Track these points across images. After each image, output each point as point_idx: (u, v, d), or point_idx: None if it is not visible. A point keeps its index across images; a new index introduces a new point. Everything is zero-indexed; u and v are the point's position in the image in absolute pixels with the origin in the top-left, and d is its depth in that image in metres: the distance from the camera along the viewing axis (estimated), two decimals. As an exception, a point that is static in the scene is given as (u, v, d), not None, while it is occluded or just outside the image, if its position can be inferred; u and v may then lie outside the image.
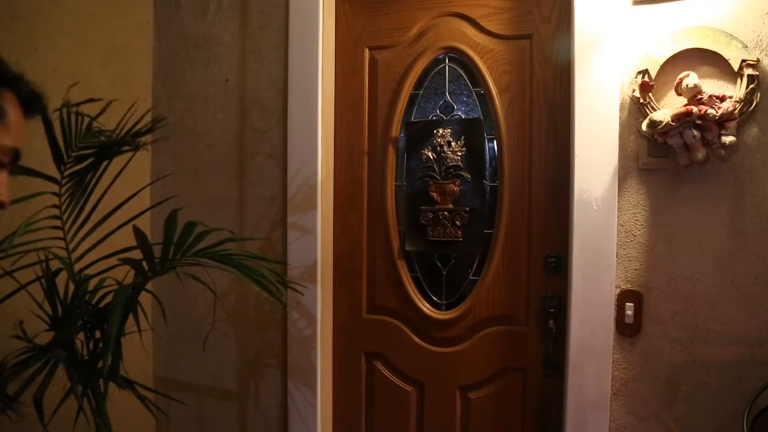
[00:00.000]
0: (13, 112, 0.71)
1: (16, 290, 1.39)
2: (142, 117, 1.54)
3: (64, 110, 1.37)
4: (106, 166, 1.48)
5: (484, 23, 1.79)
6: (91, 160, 1.45)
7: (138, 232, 1.40)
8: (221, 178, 1.99)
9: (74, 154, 1.42)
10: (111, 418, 1.45)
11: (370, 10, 1.91)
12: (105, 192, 1.51)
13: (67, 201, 1.48)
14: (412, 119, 1.90)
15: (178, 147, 2.04)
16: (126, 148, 1.47)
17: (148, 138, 1.53)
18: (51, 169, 1.42)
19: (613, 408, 1.60)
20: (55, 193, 1.45)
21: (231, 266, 1.46)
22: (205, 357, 1.99)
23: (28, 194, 1.41)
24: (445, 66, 1.87)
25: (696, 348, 1.53)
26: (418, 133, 1.89)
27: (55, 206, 1.46)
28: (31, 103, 0.76)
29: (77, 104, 1.34)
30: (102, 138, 1.41)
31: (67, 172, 1.45)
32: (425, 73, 1.88)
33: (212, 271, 1.55)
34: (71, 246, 1.48)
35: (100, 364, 1.42)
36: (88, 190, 1.48)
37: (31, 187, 1.42)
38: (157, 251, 1.42)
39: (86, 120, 1.42)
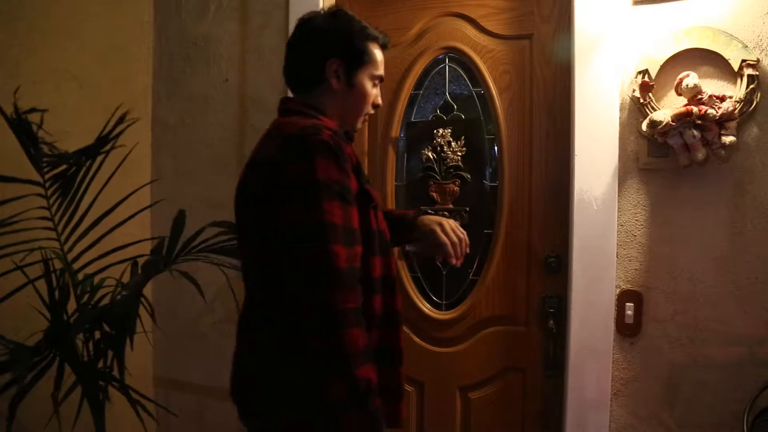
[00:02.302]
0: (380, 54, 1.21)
1: (23, 285, 1.39)
2: (116, 123, 1.51)
3: (22, 116, 1.33)
4: (90, 170, 1.47)
5: (484, 23, 1.79)
6: (64, 167, 1.43)
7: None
8: (221, 178, 1.98)
9: (45, 159, 1.41)
10: (112, 417, 1.45)
11: (370, 10, 1.91)
12: (99, 193, 1.51)
13: (58, 202, 1.47)
14: (412, 119, 1.90)
15: (178, 147, 2.04)
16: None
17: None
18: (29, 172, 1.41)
19: (613, 408, 1.60)
20: (41, 195, 1.44)
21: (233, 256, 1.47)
22: (206, 357, 1.99)
23: (8, 198, 1.40)
24: (445, 66, 1.87)
25: (696, 348, 1.53)
26: (418, 133, 1.89)
27: (43, 207, 1.45)
28: (386, 45, 1.23)
29: (24, 113, 1.32)
30: (44, 148, 1.38)
31: (48, 175, 1.44)
32: (425, 73, 1.88)
33: (213, 270, 1.55)
34: (66, 247, 1.48)
35: (100, 365, 1.43)
36: (81, 191, 1.48)
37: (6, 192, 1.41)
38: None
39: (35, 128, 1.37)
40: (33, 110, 1.31)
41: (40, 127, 1.35)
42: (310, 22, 1.17)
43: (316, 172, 0.95)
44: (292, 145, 0.99)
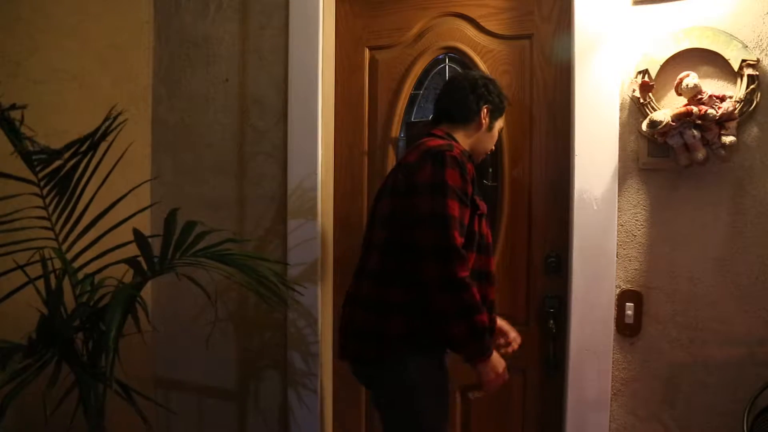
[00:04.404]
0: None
1: (23, 285, 1.38)
2: (105, 120, 1.48)
3: (4, 113, 1.31)
4: (88, 169, 1.46)
5: (484, 23, 1.79)
6: (58, 163, 1.42)
7: (137, 234, 1.39)
8: (221, 178, 1.99)
9: (35, 157, 1.39)
10: (112, 416, 1.45)
11: (370, 10, 1.91)
12: (96, 192, 1.50)
13: (55, 201, 1.46)
14: (413, 119, 1.90)
15: (178, 147, 2.04)
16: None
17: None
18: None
19: (613, 408, 1.60)
20: (37, 195, 1.44)
21: (232, 266, 1.46)
22: (206, 357, 1.99)
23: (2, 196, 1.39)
24: (445, 66, 1.87)
25: (696, 348, 1.53)
26: (419, 133, 1.88)
27: (39, 207, 1.45)
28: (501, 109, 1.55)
29: (5, 110, 1.30)
30: (27, 144, 1.36)
31: (42, 173, 1.42)
32: (425, 73, 1.88)
33: (212, 270, 1.55)
34: (65, 246, 1.47)
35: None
36: (79, 189, 1.47)
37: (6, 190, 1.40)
38: (155, 249, 1.42)
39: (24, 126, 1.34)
40: (13, 107, 1.30)
41: (22, 123, 1.33)
42: (470, 74, 1.54)
43: (445, 176, 1.29)
44: (431, 155, 1.33)
